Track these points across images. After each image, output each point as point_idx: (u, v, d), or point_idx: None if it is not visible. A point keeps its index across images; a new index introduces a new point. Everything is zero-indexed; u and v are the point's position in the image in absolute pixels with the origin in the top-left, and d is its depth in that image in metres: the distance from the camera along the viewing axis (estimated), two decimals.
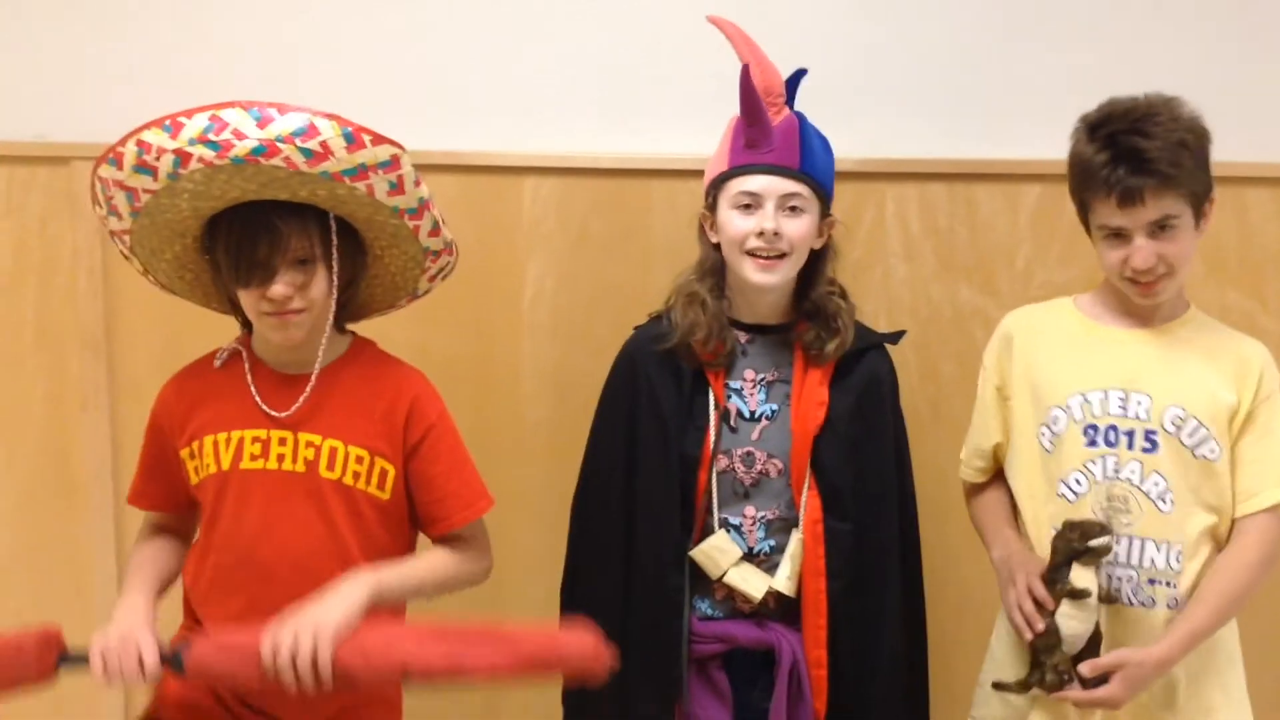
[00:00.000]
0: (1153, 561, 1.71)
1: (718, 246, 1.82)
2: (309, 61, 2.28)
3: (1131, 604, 1.71)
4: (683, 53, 2.23)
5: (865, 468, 1.81)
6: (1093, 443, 1.74)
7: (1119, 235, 1.67)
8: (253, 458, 1.66)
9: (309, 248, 1.60)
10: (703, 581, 1.82)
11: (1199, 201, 1.68)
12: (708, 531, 1.81)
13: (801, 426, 1.79)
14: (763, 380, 1.83)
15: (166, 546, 1.79)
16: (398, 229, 1.65)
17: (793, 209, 1.76)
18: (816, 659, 1.78)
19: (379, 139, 1.54)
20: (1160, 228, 1.65)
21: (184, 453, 1.71)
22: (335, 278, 1.63)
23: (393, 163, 1.56)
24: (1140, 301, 1.72)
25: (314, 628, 1.49)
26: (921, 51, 2.22)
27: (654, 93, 2.26)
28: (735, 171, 1.77)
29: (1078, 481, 1.74)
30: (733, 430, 1.81)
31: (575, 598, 1.92)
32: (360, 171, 1.54)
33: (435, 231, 1.68)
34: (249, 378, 1.69)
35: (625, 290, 2.27)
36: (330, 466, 1.66)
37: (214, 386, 1.71)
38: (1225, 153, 2.17)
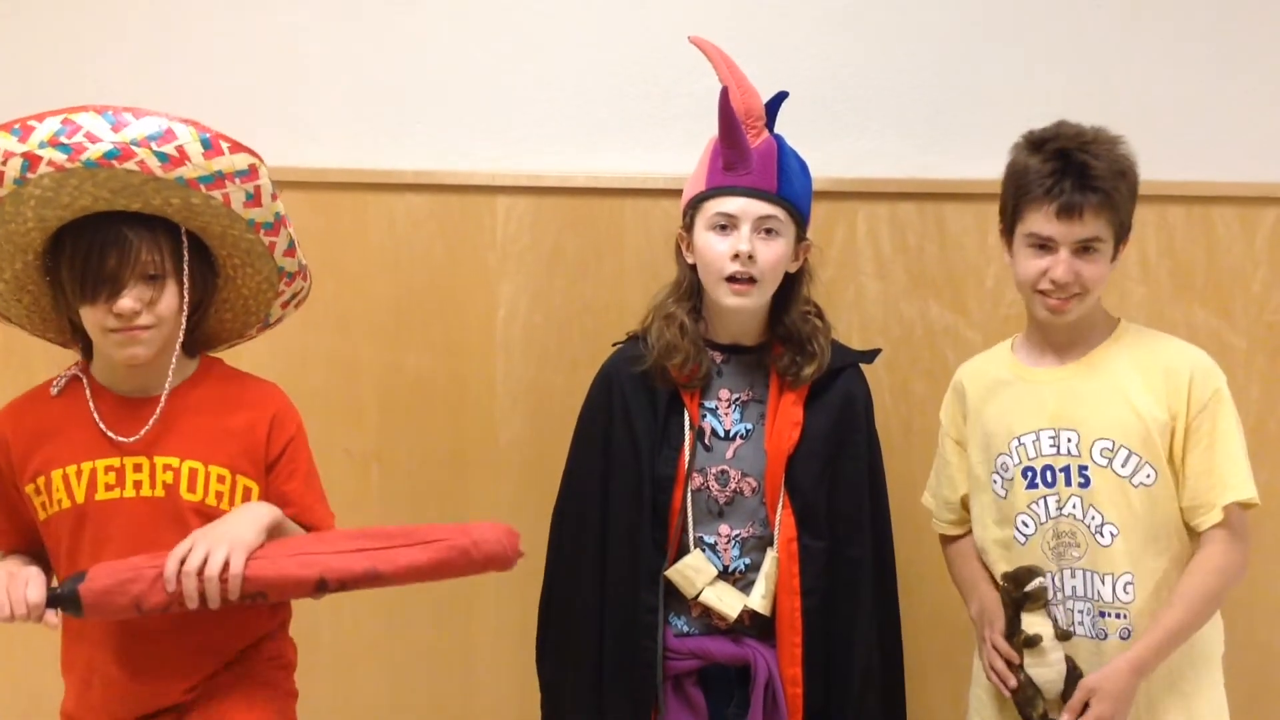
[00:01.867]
0: (1099, 594, 1.72)
1: (694, 267, 1.82)
2: (281, 79, 2.27)
3: (1089, 636, 1.73)
4: (656, 73, 2.24)
5: (839, 486, 1.81)
6: (1033, 484, 1.76)
7: (1044, 247, 1.70)
8: (107, 488, 1.59)
9: (159, 262, 1.54)
10: (679, 598, 1.82)
11: (1122, 233, 1.73)
12: (683, 550, 1.80)
13: (776, 446, 1.79)
14: (738, 400, 1.83)
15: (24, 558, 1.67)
16: (252, 245, 1.59)
17: (768, 231, 1.76)
18: (792, 676, 1.78)
19: (237, 146, 1.50)
20: (1085, 248, 1.68)
21: (29, 489, 1.61)
22: (185, 294, 1.57)
23: (250, 172, 1.52)
24: (1046, 318, 1.74)
25: (225, 539, 1.47)
26: (893, 73, 2.24)
27: (627, 112, 2.26)
28: (712, 193, 1.77)
29: (1024, 524, 1.77)
30: (707, 449, 1.81)
31: (552, 614, 1.92)
32: (216, 179, 1.49)
33: (290, 251, 1.63)
34: (91, 404, 1.61)
35: (598, 309, 2.28)
36: (191, 489, 1.60)
37: (55, 417, 1.62)
38: (1191, 172, 2.22)
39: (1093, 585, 1.72)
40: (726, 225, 1.76)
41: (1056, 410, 1.75)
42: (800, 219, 1.80)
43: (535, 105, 2.27)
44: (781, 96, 1.83)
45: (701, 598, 1.78)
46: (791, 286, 1.83)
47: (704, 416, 1.82)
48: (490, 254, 2.28)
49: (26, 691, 2.28)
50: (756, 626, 1.81)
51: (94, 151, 1.43)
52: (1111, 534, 1.71)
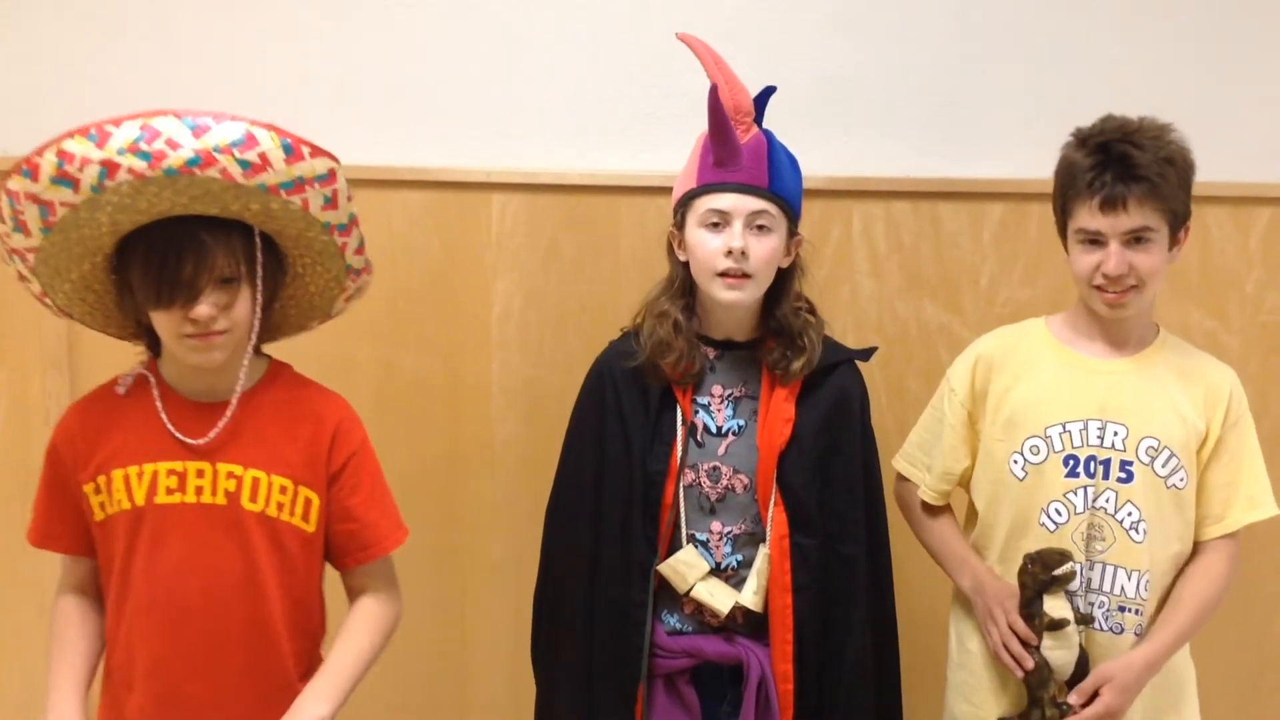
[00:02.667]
0: (1123, 589, 1.73)
1: (686, 264, 1.82)
2: (277, 76, 2.27)
3: (1103, 629, 1.73)
4: (653, 71, 2.25)
5: (832, 483, 1.81)
6: (1073, 473, 1.75)
7: (1095, 241, 1.69)
8: (169, 491, 1.56)
9: (234, 266, 1.51)
10: (670, 596, 1.82)
11: (1177, 221, 1.70)
12: (675, 546, 1.81)
13: (768, 442, 1.79)
14: (730, 396, 1.83)
15: (90, 616, 1.66)
16: (325, 245, 1.58)
17: (760, 228, 1.76)
18: (783, 673, 1.78)
19: (317, 151, 1.48)
20: (1136, 239, 1.67)
21: (88, 487, 1.59)
22: (259, 297, 1.55)
23: (329, 176, 1.50)
24: (1106, 313, 1.74)
25: None
26: (889, 72, 2.24)
27: (623, 110, 2.27)
28: (703, 189, 1.77)
29: (1058, 511, 1.76)
30: (699, 445, 1.81)
31: (545, 609, 1.92)
32: (297, 185, 1.47)
33: (360, 249, 1.62)
34: (159, 405, 1.59)
35: (594, 307, 2.28)
36: (253, 498, 1.58)
37: (120, 416, 1.60)
38: None
39: (1116, 580, 1.72)
40: (719, 222, 1.75)
41: (1106, 402, 1.74)
42: (792, 214, 1.80)
43: (531, 103, 2.27)
44: (769, 91, 1.83)
45: (693, 593, 1.78)
46: (783, 281, 1.83)
47: (696, 412, 1.82)
48: (486, 251, 2.28)
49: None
50: (749, 625, 1.81)
51: (175, 159, 1.39)
52: (1145, 531, 1.72)
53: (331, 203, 1.52)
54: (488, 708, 2.36)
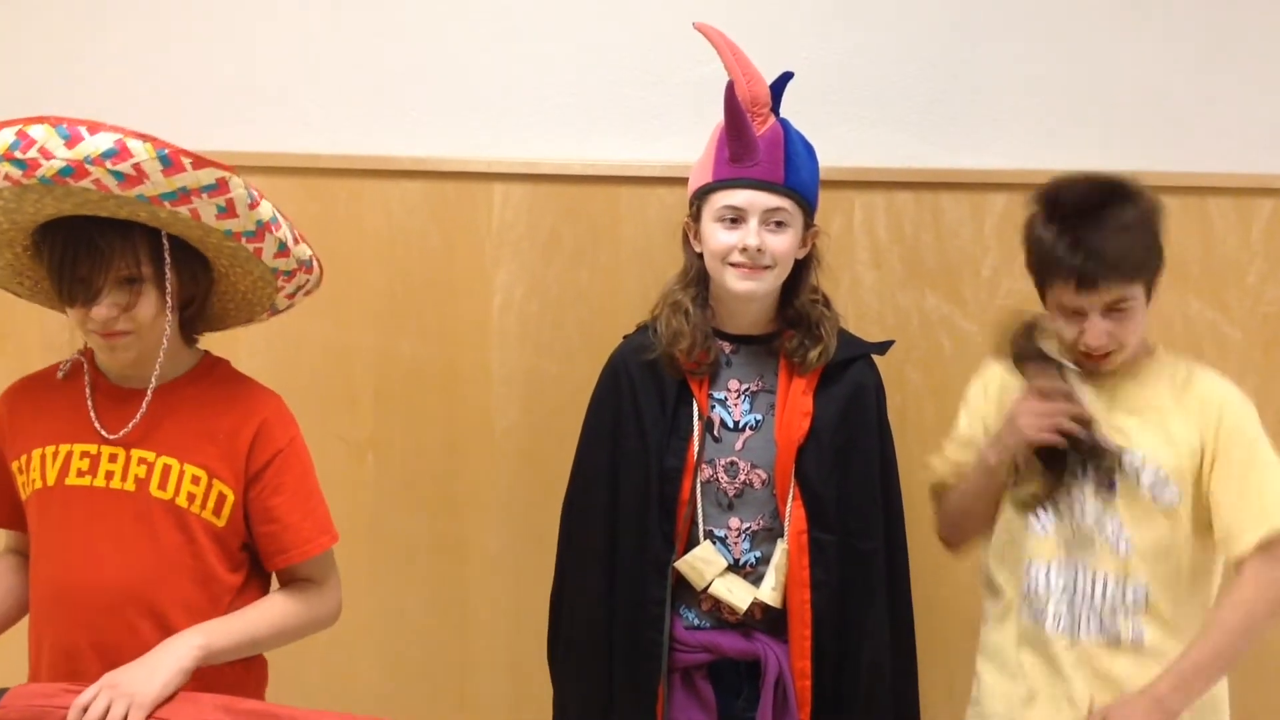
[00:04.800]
0: (1113, 596, 1.72)
1: (701, 255, 1.81)
2: (276, 66, 2.26)
3: (1099, 636, 1.72)
4: (654, 61, 2.24)
5: (850, 478, 1.80)
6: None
7: (1077, 313, 1.69)
8: (79, 473, 1.56)
9: (135, 266, 1.49)
10: (688, 591, 1.81)
11: (1153, 276, 1.70)
12: (693, 542, 1.80)
13: (786, 436, 1.78)
14: (747, 390, 1.83)
15: (13, 571, 1.68)
16: (235, 250, 1.54)
17: (777, 224, 1.75)
18: (801, 669, 1.77)
19: (200, 162, 1.42)
20: (1114, 309, 1.67)
21: (14, 465, 1.61)
22: (169, 297, 1.52)
23: (219, 186, 1.44)
24: (1094, 369, 1.74)
25: (128, 695, 1.40)
26: (889, 62, 2.23)
27: (624, 100, 2.26)
28: (719, 185, 1.76)
29: (1048, 516, 1.76)
30: (716, 440, 1.81)
31: (563, 606, 1.91)
32: (181, 196, 1.42)
33: (283, 253, 1.57)
34: (88, 391, 1.59)
35: (594, 297, 2.27)
36: (162, 485, 1.56)
37: (52, 398, 1.62)
38: (1188, 163, 2.21)
39: (1106, 587, 1.72)
40: (735, 219, 1.74)
41: (1096, 415, 1.74)
42: (808, 207, 1.80)
43: (532, 92, 2.26)
44: (786, 78, 1.82)
45: (711, 589, 1.78)
46: (799, 273, 1.82)
47: (713, 407, 1.81)
48: (486, 241, 2.28)
49: None
50: (767, 621, 1.81)
51: (48, 169, 1.37)
52: (1128, 542, 1.71)
53: (228, 211, 1.47)
54: (488, 697, 2.36)
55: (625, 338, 1.91)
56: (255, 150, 2.22)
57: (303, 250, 1.61)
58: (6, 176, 1.39)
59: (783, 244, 1.75)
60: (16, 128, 1.38)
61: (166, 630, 1.55)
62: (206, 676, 1.51)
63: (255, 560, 1.68)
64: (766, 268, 1.75)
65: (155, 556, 1.57)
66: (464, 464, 2.33)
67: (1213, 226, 2.21)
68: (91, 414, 1.58)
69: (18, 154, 1.37)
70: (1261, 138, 2.20)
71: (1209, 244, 2.21)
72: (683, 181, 2.20)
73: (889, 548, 1.83)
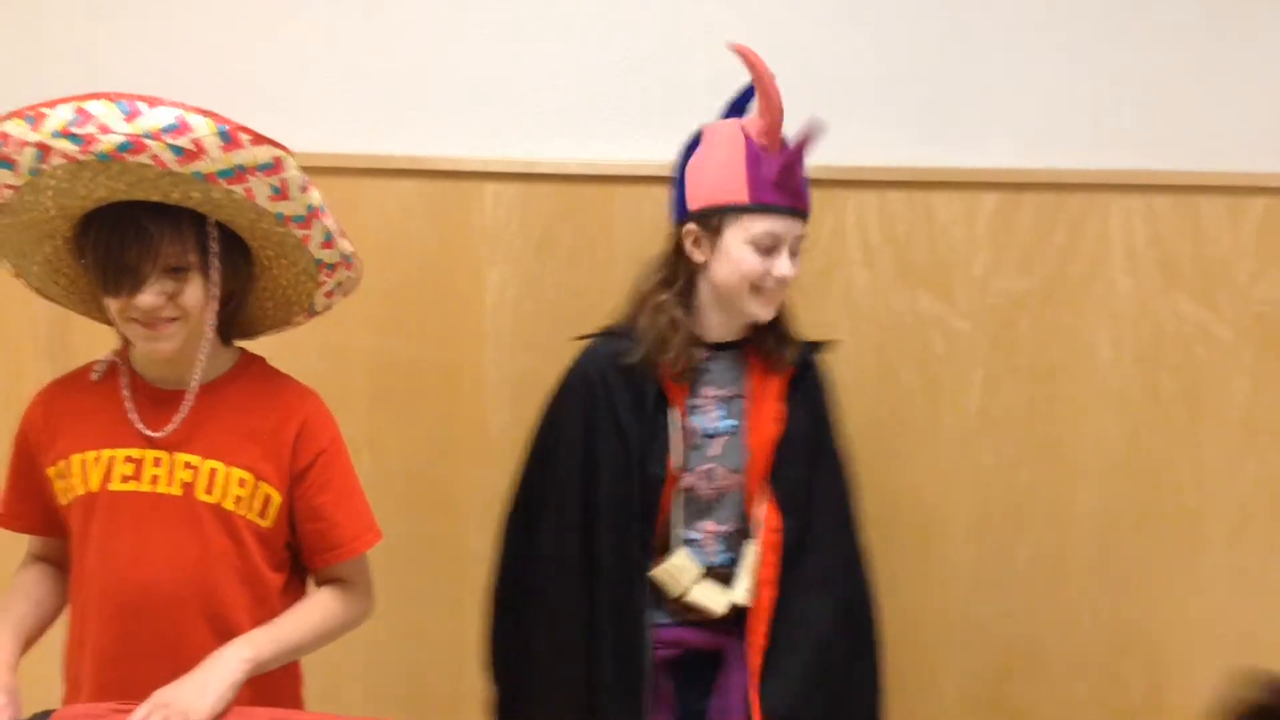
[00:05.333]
0: None
1: (697, 265, 1.78)
2: (272, 64, 2.27)
3: None
4: (646, 60, 2.24)
5: (818, 477, 1.82)
6: None
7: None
8: (124, 479, 1.54)
9: (182, 254, 1.47)
10: (657, 591, 1.81)
11: None
12: (669, 548, 1.80)
13: (759, 440, 1.79)
14: (721, 396, 1.83)
15: (45, 578, 1.66)
16: (284, 237, 1.52)
17: (797, 249, 1.77)
18: (755, 666, 1.77)
19: (259, 139, 1.42)
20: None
21: (51, 471, 1.59)
22: (214, 287, 1.51)
23: (275, 165, 1.43)
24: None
25: (182, 714, 1.39)
26: (881, 62, 2.24)
27: (618, 100, 2.26)
28: (760, 209, 1.73)
29: None
30: (694, 447, 1.81)
31: (505, 609, 1.88)
32: (237, 174, 1.41)
33: (328, 243, 1.56)
34: (125, 393, 1.57)
35: (588, 297, 2.28)
36: (209, 490, 1.55)
37: (87, 401, 1.59)
38: (1178, 162, 2.22)
39: None
40: (772, 246, 1.73)
41: None
42: None
43: (526, 92, 2.27)
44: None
45: (689, 597, 1.78)
46: None
47: (691, 414, 1.81)
48: (479, 241, 2.28)
49: None
50: (735, 617, 1.81)
51: (105, 144, 1.35)
52: None
53: (281, 193, 1.46)
54: (482, 698, 2.36)
55: (588, 341, 1.87)
56: None
57: (345, 244, 1.60)
58: (63, 153, 1.37)
59: (798, 267, 1.77)
60: (74, 104, 1.37)
61: (221, 630, 1.55)
62: (249, 679, 1.51)
63: (295, 559, 1.68)
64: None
65: (204, 559, 1.56)
66: (459, 464, 2.34)
67: (1204, 226, 2.22)
68: (132, 415, 1.56)
69: (75, 129, 1.35)
70: (1252, 137, 2.21)
71: (1200, 243, 2.22)
72: None
73: (851, 540, 1.84)
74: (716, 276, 1.77)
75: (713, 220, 1.76)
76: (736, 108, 1.85)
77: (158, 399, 1.58)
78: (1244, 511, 2.26)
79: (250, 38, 2.27)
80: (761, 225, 1.72)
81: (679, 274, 1.80)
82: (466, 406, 2.32)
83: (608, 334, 1.85)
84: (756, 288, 1.74)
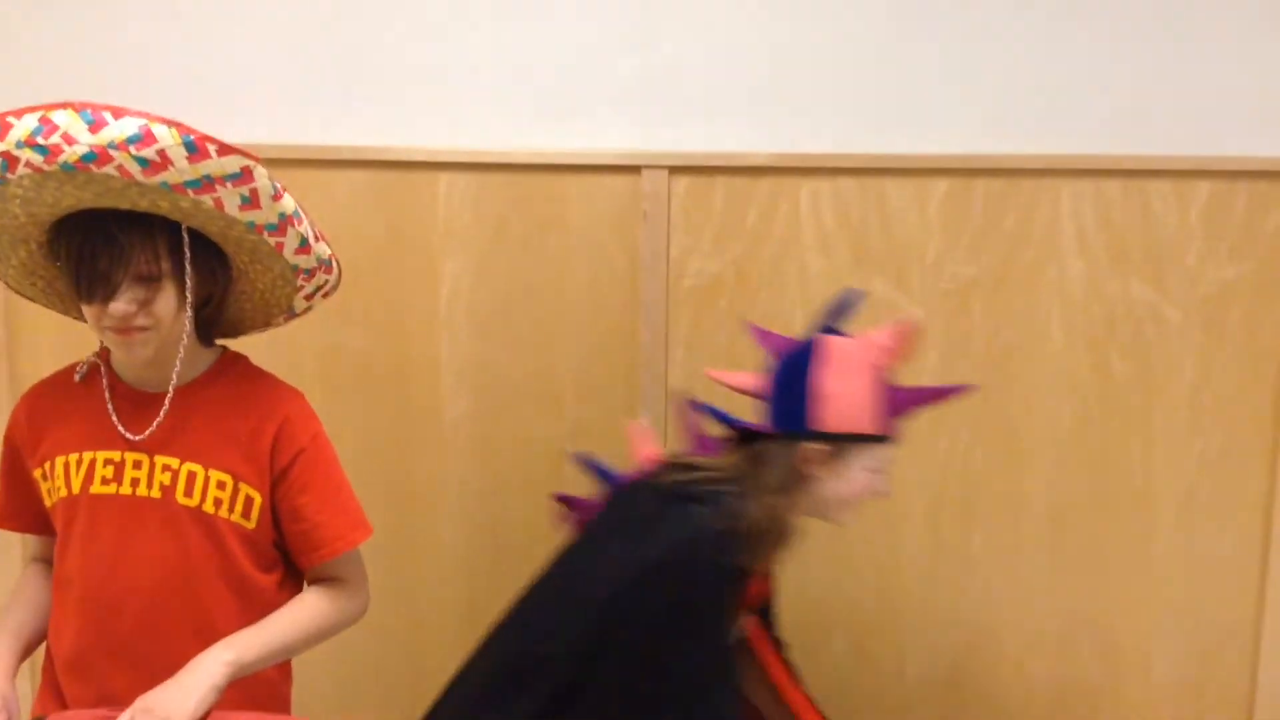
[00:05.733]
0: None
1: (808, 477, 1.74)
2: (218, 55, 2.24)
3: None
4: (600, 48, 2.23)
5: None
6: None
7: None
8: (104, 481, 1.54)
9: (154, 262, 1.46)
10: None
11: None
12: None
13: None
14: None
15: (46, 582, 1.65)
16: (257, 244, 1.51)
17: None
18: None
19: (226, 149, 1.40)
20: None
21: (37, 472, 1.59)
22: (188, 294, 1.50)
23: (243, 175, 1.42)
24: None
25: (163, 716, 1.39)
26: (832, 48, 2.24)
27: (570, 88, 2.25)
28: (888, 439, 1.75)
29: None
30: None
31: None
32: (205, 184, 1.39)
33: (304, 249, 1.55)
34: (107, 395, 1.57)
35: (543, 286, 2.27)
36: (188, 493, 1.55)
37: (71, 403, 1.59)
38: (1127, 146, 2.24)
39: None
40: (881, 469, 1.76)
41: None
42: None
43: (477, 81, 2.25)
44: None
45: None
46: None
47: None
48: (433, 231, 2.27)
49: None
50: None
51: (70, 154, 1.34)
52: None
53: (251, 202, 1.44)
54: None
55: (701, 527, 1.69)
56: None
57: (323, 249, 1.59)
58: (28, 164, 1.35)
59: None
60: (39, 113, 1.35)
61: (205, 634, 1.53)
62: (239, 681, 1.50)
63: (288, 558, 1.67)
64: None
65: (185, 563, 1.55)
66: (414, 455, 2.33)
67: (1152, 209, 2.24)
68: (114, 418, 1.55)
69: (40, 139, 1.34)
70: (1200, 120, 2.23)
71: (1148, 226, 2.24)
72: (631, 169, 2.22)
73: None
74: (827, 491, 1.75)
75: (844, 445, 1.73)
76: (835, 314, 1.83)
77: (138, 401, 1.57)
78: (1190, 492, 2.29)
79: (195, 29, 2.24)
80: (886, 454, 1.76)
81: (793, 482, 1.74)
82: (421, 397, 2.31)
83: (710, 501, 1.71)
84: (852, 505, 1.77)
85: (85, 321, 1.58)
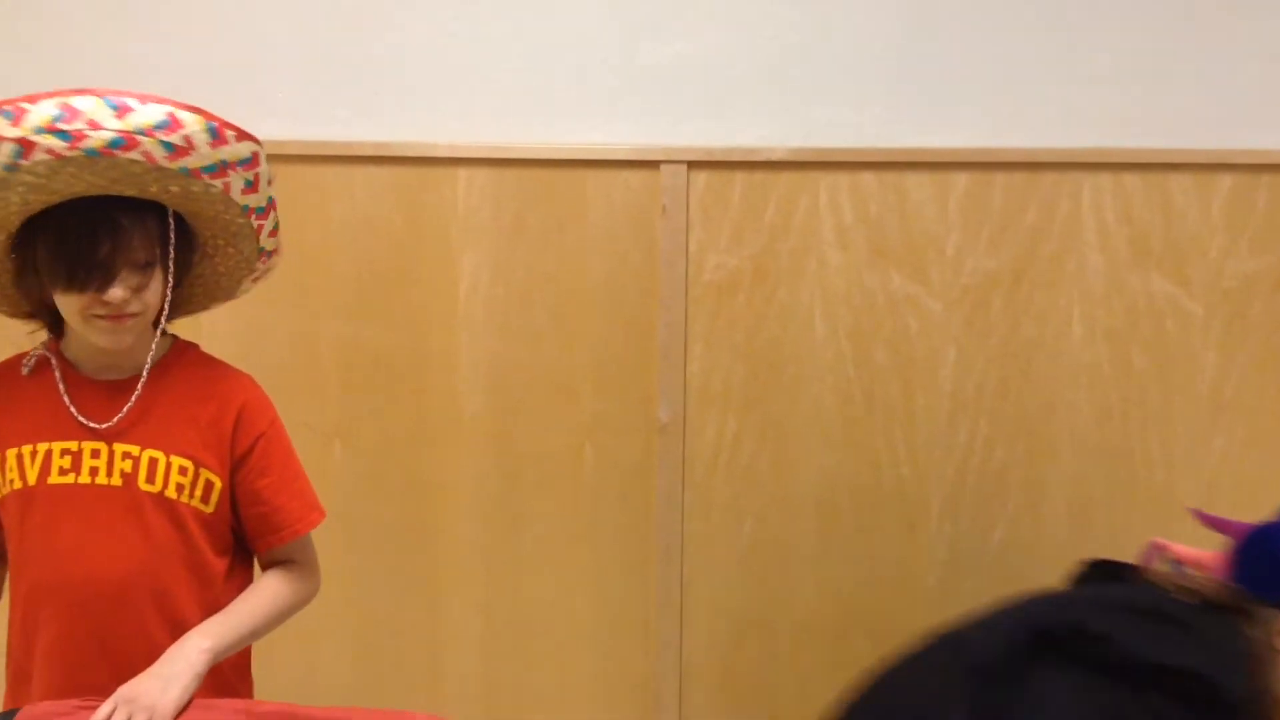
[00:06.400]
0: None
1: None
2: (238, 51, 2.25)
3: None
4: (618, 43, 2.23)
5: None
6: None
7: None
8: (61, 471, 1.52)
9: (150, 249, 1.48)
10: None
11: None
12: None
13: None
14: None
15: None
16: (241, 228, 1.54)
17: None
18: None
19: (242, 134, 1.44)
20: None
21: None
22: (170, 279, 1.50)
23: (252, 159, 1.46)
24: None
25: (148, 708, 1.38)
26: (851, 42, 2.24)
27: (588, 83, 2.25)
28: None
29: None
30: None
31: None
32: (220, 168, 1.43)
33: (274, 232, 1.58)
34: (61, 386, 1.54)
35: (561, 281, 2.27)
36: (150, 479, 1.53)
37: (21, 395, 1.57)
38: (1148, 139, 2.23)
39: None
40: None
41: None
42: None
43: (496, 76, 2.25)
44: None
45: None
46: None
47: None
48: (451, 227, 2.27)
49: None
50: None
51: (96, 140, 1.35)
52: None
53: (252, 186, 1.48)
54: (460, 683, 2.36)
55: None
56: None
57: (280, 235, 1.61)
58: (48, 150, 1.35)
59: None
60: (57, 100, 1.36)
61: (170, 618, 1.54)
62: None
63: (238, 541, 1.67)
64: None
65: (148, 548, 1.54)
66: (432, 450, 2.33)
67: (1173, 202, 2.23)
68: (71, 409, 1.54)
69: (62, 125, 1.34)
70: (1220, 113, 2.22)
71: (1169, 219, 2.23)
72: (650, 165, 2.22)
73: None
74: None
75: None
76: None
77: (94, 390, 1.56)
78: (1210, 487, 2.28)
79: (215, 24, 2.25)
80: None
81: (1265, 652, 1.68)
82: (439, 392, 2.31)
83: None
84: None
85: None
